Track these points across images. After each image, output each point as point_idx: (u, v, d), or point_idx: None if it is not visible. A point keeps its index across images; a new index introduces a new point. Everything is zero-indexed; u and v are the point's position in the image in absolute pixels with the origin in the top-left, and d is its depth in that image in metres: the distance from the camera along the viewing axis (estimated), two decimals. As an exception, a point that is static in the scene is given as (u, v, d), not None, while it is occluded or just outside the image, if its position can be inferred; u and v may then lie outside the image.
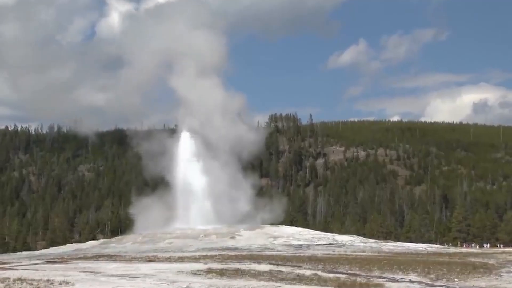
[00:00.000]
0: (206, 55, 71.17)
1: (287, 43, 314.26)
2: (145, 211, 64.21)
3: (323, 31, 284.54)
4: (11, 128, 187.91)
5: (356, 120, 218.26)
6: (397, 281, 23.66)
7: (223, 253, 40.03)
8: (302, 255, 38.84)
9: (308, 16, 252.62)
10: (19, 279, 21.24)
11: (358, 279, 23.38)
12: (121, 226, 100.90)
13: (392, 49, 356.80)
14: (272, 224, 66.60)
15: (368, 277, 24.48)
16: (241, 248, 46.58)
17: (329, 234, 64.02)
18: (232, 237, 53.23)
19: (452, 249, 56.68)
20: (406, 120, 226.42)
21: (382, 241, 65.10)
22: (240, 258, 33.46)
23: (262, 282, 21.37)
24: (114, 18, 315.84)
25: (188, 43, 71.12)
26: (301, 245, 50.87)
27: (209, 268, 26.04)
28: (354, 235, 68.08)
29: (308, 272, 25.23)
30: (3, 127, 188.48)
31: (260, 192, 69.58)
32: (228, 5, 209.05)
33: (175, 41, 71.60)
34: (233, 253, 39.50)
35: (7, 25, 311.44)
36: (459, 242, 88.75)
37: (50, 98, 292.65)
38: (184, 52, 71.22)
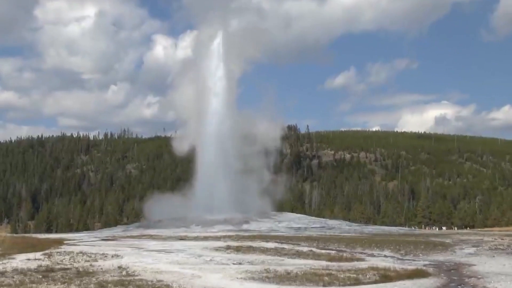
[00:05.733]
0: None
1: (292, 69, 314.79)
2: (177, 201, 64.02)
3: (321, 60, 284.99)
4: (75, 135, 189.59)
5: (343, 129, 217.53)
6: (374, 256, 23.59)
7: (239, 234, 39.95)
8: (300, 235, 38.75)
9: (309, 48, 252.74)
10: (81, 252, 21.33)
11: (345, 254, 23.31)
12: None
13: (375, 74, 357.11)
14: (277, 211, 66.51)
15: (352, 253, 24.42)
16: (253, 230, 46.49)
17: (322, 219, 63.86)
18: (246, 222, 53.11)
19: (417, 231, 56.35)
20: (383, 130, 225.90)
21: (363, 224, 64.88)
22: (252, 238, 33.41)
23: (269, 256, 21.35)
24: (158, 51, 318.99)
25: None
26: (299, 227, 50.71)
27: (228, 245, 26.02)
28: (341, 220, 67.91)
29: (305, 249, 25.18)
30: (69, 134, 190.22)
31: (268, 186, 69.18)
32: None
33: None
34: (246, 234, 39.45)
35: (77, 56, 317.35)
36: (423, 226, 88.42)
37: (107, 112, 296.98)
38: None
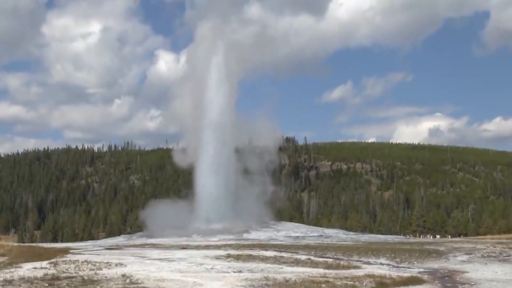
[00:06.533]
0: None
1: (291, 82, 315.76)
2: (177, 210, 63.47)
3: (319, 74, 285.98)
4: (80, 147, 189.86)
5: (340, 141, 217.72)
6: (371, 263, 23.56)
7: (239, 242, 39.89)
8: (299, 244, 38.69)
9: (307, 62, 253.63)
10: (85, 261, 21.30)
11: (342, 262, 23.29)
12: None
13: (370, 87, 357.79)
14: (276, 220, 66.32)
15: (349, 261, 24.39)
16: (252, 239, 46.40)
17: (319, 228, 63.66)
18: (246, 231, 52.96)
19: (412, 239, 56.30)
20: (378, 141, 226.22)
21: (359, 233, 64.76)
22: (252, 246, 33.36)
23: (268, 264, 21.33)
24: (161, 66, 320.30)
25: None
26: (298, 236, 50.61)
27: (228, 254, 25.99)
28: (338, 229, 67.70)
29: (303, 257, 25.15)
30: (74, 147, 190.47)
31: (267, 196, 68.95)
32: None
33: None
34: (246, 243, 39.37)
35: (82, 71, 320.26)
36: (417, 234, 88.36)
37: (111, 125, 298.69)
38: None
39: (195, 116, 67.95)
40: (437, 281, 17.18)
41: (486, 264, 22.77)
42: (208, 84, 68.04)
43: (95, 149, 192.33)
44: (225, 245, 35.04)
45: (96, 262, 21.04)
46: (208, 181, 63.40)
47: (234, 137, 67.03)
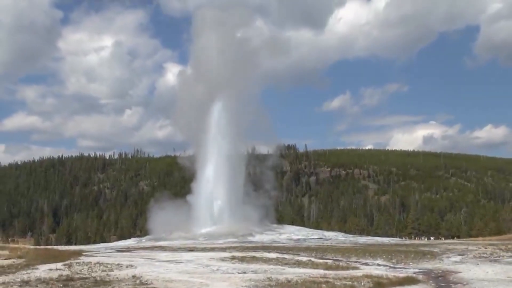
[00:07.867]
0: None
1: (293, 92, 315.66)
2: (185, 215, 63.13)
3: (318, 85, 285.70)
4: (92, 155, 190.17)
5: (339, 148, 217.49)
6: (368, 264, 23.48)
7: (243, 245, 39.79)
8: (300, 246, 38.58)
9: (307, 74, 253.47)
10: (98, 263, 21.29)
11: (341, 263, 23.21)
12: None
13: (368, 97, 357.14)
14: (278, 224, 66.22)
15: (348, 262, 24.31)
16: (256, 241, 46.26)
17: (319, 231, 63.49)
18: (250, 234, 52.89)
19: (407, 241, 56.01)
20: (375, 148, 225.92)
21: (357, 236, 64.56)
22: (255, 248, 33.27)
23: (271, 266, 21.27)
24: (169, 77, 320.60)
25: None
26: (299, 239, 50.47)
27: (233, 256, 25.93)
28: (338, 232, 67.50)
29: (304, 259, 25.08)
30: (86, 154, 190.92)
31: (270, 200, 68.78)
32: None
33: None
34: (250, 245, 39.28)
35: (95, 83, 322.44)
36: (412, 236, 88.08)
37: (122, 134, 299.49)
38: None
39: (200, 121, 67.02)
40: (431, 281, 17.14)
41: (478, 264, 22.68)
42: (214, 88, 67.25)
43: (107, 157, 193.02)
44: (230, 248, 34.96)
45: (108, 263, 21.02)
46: (213, 187, 63.27)
47: (238, 144, 66.89)
